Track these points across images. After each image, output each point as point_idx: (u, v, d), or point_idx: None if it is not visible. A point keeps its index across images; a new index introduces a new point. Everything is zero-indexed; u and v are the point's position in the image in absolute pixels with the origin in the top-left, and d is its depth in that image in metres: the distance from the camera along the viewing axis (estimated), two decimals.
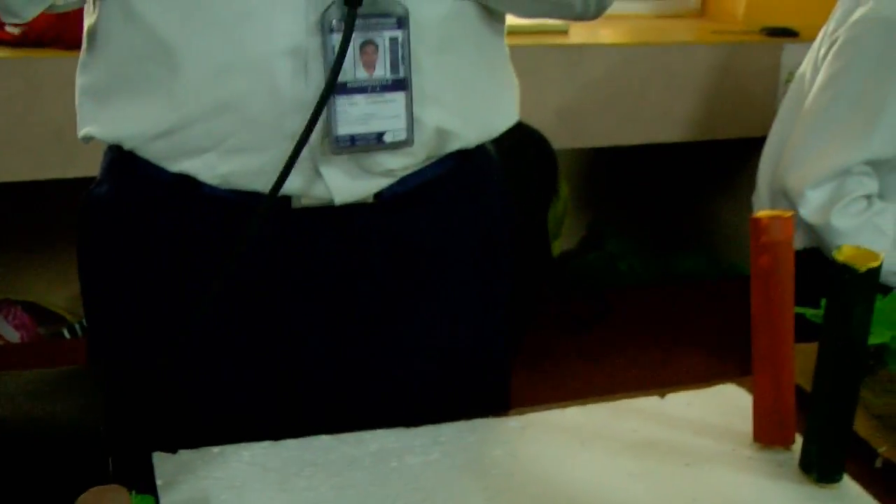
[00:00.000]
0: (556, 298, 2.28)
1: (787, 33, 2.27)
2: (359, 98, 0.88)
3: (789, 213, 0.79)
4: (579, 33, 2.22)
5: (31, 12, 0.89)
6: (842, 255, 0.71)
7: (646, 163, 2.65)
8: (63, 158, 1.79)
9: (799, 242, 1.77)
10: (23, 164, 1.85)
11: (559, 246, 2.47)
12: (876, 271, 0.70)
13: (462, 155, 0.99)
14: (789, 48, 2.23)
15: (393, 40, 0.88)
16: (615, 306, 2.37)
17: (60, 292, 2.28)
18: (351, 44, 0.86)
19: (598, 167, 2.69)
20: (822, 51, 1.81)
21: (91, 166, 1.01)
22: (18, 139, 1.82)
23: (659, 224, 2.76)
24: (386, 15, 0.87)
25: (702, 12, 2.49)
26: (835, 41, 1.77)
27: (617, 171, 2.69)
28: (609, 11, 2.49)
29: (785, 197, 1.77)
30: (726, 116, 2.27)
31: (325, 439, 0.88)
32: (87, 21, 0.95)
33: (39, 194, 2.03)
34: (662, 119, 2.24)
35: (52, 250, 2.18)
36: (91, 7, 0.94)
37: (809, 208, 1.73)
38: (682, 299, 2.48)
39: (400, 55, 0.88)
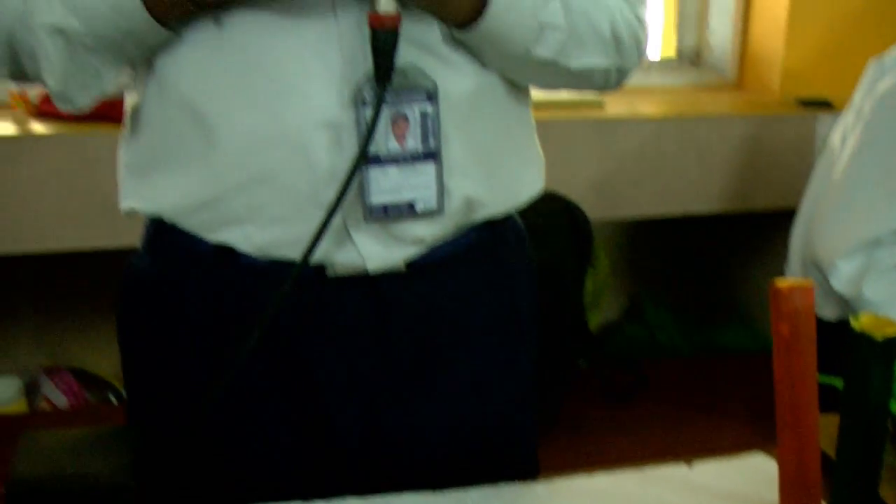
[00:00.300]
0: (594, 370, 2.28)
1: (823, 104, 2.29)
2: (391, 169, 0.92)
3: (810, 282, 0.80)
4: (616, 106, 2.25)
5: (84, 101, 0.93)
6: (859, 324, 0.72)
7: (687, 234, 2.65)
8: (110, 228, 1.85)
9: (832, 313, 1.75)
10: (73, 234, 1.91)
11: (599, 317, 2.47)
12: (894, 340, 0.71)
13: (489, 226, 1.02)
14: (823, 119, 2.24)
15: (423, 113, 0.91)
16: (653, 378, 2.35)
17: (108, 359, 2.33)
18: (383, 117, 0.89)
19: (639, 239, 2.70)
20: (850, 120, 1.82)
21: (137, 236, 1.05)
22: (69, 209, 1.89)
23: (699, 295, 2.75)
24: (416, 90, 0.91)
25: (738, 83, 2.51)
26: (861, 111, 1.78)
27: (658, 242, 2.70)
28: (647, 84, 2.52)
29: (816, 267, 1.76)
30: (762, 188, 2.28)
31: (352, 502, 0.89)
32: (129, 101, 1.00)
33: (89, 263, 2.08)
34: (698, 191, 2.25)
35: (101, 318, 2.23)
36: (133, 87, 0.99)
37: (841, 279, 1.72)
38: (720, 371, 2.46)
39: (430, 128, 0.92)
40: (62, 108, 0.95)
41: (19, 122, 1.97)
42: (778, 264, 2.04)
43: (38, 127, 1.94)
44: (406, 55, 0.89)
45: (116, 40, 0.90)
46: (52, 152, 1.89)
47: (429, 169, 0.92)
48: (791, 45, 2.36)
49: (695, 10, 2.55)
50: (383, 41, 0.87)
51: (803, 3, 2.34)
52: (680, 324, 2.62)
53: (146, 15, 0.88)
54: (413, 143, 0.91)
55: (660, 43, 2.65)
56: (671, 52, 2.60)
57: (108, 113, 1.93)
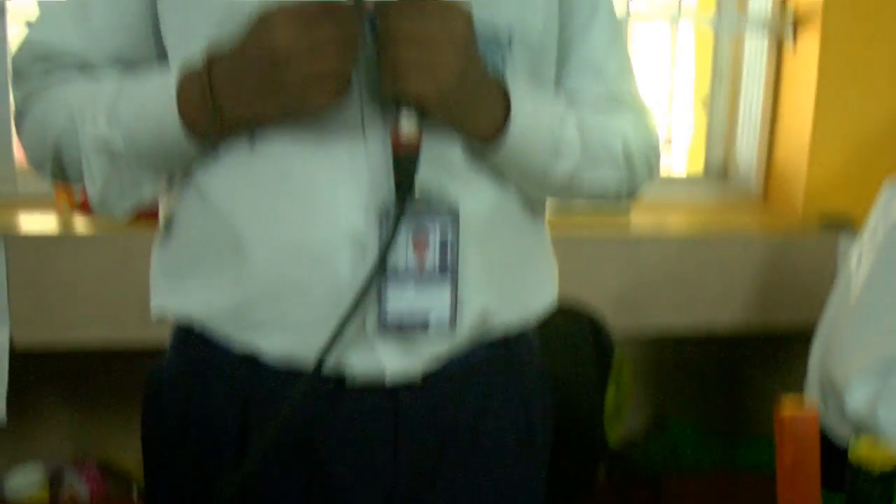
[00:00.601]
0: (612, 483, 2.26)
1: (844, 223, 2.31)
2: (408, 284, 0.95)
3: (814, 411, 0.82)
4: (643, 220, 2.29)
5: (122, 209, 0.98)
6: (855, 455, 0.73)
7: (712, 349, 2.65)
8: (143, 325, 1.89)
9: (849, 433, 1.74)
10: (107, 329, 1.95)
11: (622, 431, 2.46)
12: (891, 474, 0.72)
13: (504, 342, 1.04)
14: (845, 238, 2.26)
15: (443, 232, 0.95)
16: (672, 493, 2.33)
17: (135, 453, 2.34)
18: (405, 234, 0.93)
19: (664, 353, 2.70)
20: (865, 243, 1.83)
21: (168, 334, 1.08)
22: (105, 306, 1.93)
23: (725, 411, 2.74)
24: (438, 209, 0.95)
25: (764, 199, 2.55)
26: (876, 234, 1.79)
27: (684, 357, 2.70)
28: (672, 199, 2.55)
29: (832, 388, 1.75)
30: (785, 305, 2.29)
31: None
32: (164, 207, 1.04)
33: (120, 359, 2.12)
34: (721, 307, 2.26)
35: (130, 413, 2.25)
36: (167, 195, 1.04)
37: (855, 401, 1.71)
38: (739, 487, 2.43)
39: (449, 247, 0.95)
40: (101, 214, 0.99)
41: (62, 217, 2.04)
42: (802, 382, 2.04)
43: (79, 224, 2.00)
44: (428, 173, 0.94)
45: (156, 154, 0.95)
46: (91, 250, 1.95)
47: (445, 287, 0.95)
48: (814, 163, 2.40)
49: (722, 129, 2.60)
50: (404, 161, 0.91)
51: (826, 123, 2.39)
52: (704, 439, 2.60)
53: (184, 132, 0.93)
54: (432, 260, 0.95)
55: (687, 158, 2.70)
56: (699, 167, 2.64)
57: (146, 213, 1.99)
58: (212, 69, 0.91)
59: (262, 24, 0.87)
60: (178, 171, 1.00)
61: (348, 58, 0.88)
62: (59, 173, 1.01)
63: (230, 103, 0.91)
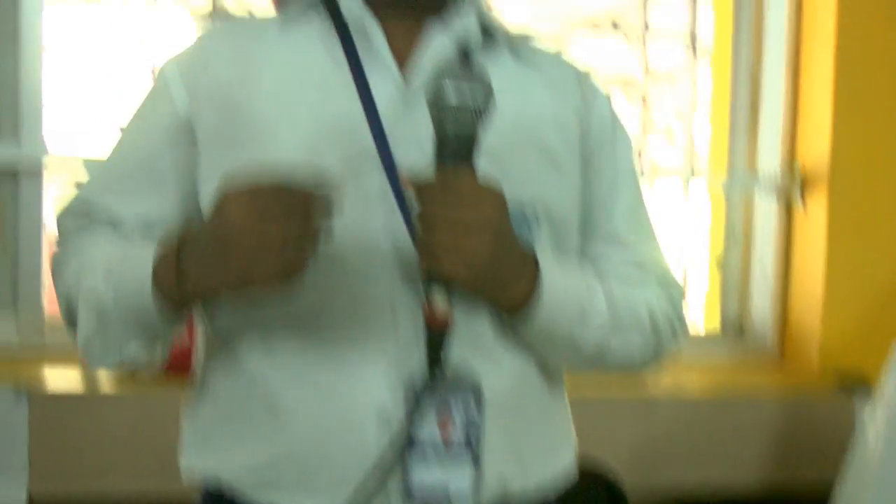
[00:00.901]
0: None
1: (859, 381, 2.31)
2: (432, 458, 0.97)
3: None
4: (656, 377, 2.30)
5: (104, 362, 1.02)
6: None
7: None
8: (163, 477, 1.89)
9: None
10: (129, 484, 1.95)
11: None
12: None
13: None
14: (861, 397, 2.26)
15: (468, 410, 0.98)
16: None
17: None
18: (431, 410, 0.96)
19: None
20: (879, 406, 1.83)
21: (191, 490, 1.09)
22: (128, 463, 1.94)
23: None
24: (464, 388, 0.98)
25: (780, 355, 2.55)
26: (888, 398, 1.79)
27: None
28: (688, 357, 2.55)
29: None
30: (801, 466, 2.26)
31: None
32: (199, 366, 1.08)
33: None
34: (737, 467, 2.25)
35: None
36: (204, 356, 1.07)
37: None
38: None
39: (473, 425, 0.98)
40: (86, 362, 1.03)
41: (87, 372, 2.07)
42: None
43: (103, 378, 2.03)
44: (457, 350, 0.96)
45: (138, 315, 0.97)
46: (113, 408, 1.97)
47: (467, 462, 0.98)
48: (828, 320, 2.41)
49: (736, 287, 2.63)
50: (435, 339, 0.94)
51: (838, 280, 2.41)
52: None
53: (153, 295, 0.95)
54: (456, 437, 0.97)
55: (703, 317, 2.72)
56: (714, 325, 2.66)
57: (168, 371, 2.02)
58: (183, 240, 0.94)
59: (222, 200, 0.90)
60: (215, 331, 1.03)
61: (295, 239, 0.88)
62: (73, 321, 1.05)
63: (192, 272, 0.93)
